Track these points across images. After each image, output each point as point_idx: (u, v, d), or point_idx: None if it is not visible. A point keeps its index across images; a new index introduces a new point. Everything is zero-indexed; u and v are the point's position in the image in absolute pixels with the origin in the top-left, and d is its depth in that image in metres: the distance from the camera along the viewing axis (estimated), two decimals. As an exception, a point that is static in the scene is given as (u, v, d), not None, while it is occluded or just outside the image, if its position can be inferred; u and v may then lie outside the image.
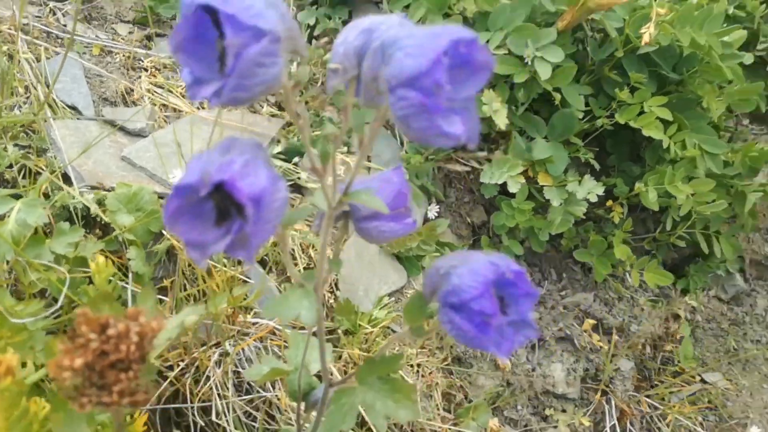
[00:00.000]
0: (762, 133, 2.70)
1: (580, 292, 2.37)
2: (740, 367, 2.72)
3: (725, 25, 2.27)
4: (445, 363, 1.96)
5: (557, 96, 1.95)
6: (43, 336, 1.23)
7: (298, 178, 1.92)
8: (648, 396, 2.40)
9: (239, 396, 1.56)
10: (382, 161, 2.05)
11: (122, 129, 1.82)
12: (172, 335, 0.86)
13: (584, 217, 2.31)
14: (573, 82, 1.99)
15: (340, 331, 1.76)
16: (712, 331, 2.71)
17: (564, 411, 2.18)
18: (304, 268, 1.84)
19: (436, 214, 2.11)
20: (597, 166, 2.11)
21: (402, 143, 2.13)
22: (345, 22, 2.37)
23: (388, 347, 1.00)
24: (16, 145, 1.61)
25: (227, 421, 1.47)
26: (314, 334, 1.04)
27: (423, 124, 0.63)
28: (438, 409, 1.87)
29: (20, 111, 1.68)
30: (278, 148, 1.95)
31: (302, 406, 1.13)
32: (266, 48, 0.62)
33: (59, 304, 1.17)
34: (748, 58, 2.48)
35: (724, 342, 2.69)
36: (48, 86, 1.78)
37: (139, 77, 2.00)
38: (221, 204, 0.66)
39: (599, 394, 2.23)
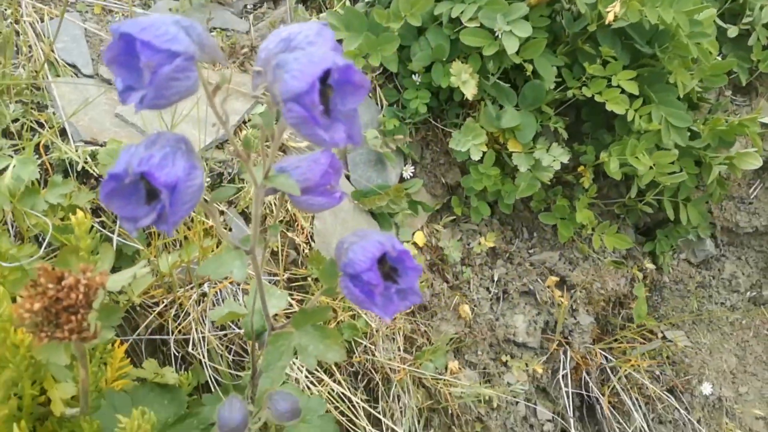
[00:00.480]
0: (744, 104, 2.76)
1: (547, 250, 2.52)
2: (703, 328, 2.87)
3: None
4: (410, 310, 2.16)
5: (529, 67, 2.05)
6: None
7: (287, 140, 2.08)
8: (608, 349, 2.58)
9: (216, 332, 1.77)
10: (362, 122, 2.18)
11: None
12: (125, 284, 1.05)
13: (556, 182, 2.44)
14: (548, 54, 2.09)
15: (310, 279, 1.95)
16: (679, 292, 2.86)
17: (522, 358, 2.38)
18: (283, 221, 2.02)
19: (411, 174, 2.26)
20: (565, 136, 2.23)
21: (381, 107, 2.26)
22: None
23: (318, 298, 1.18)
24: (19, 101, 1.79)
25: (202, 352, 1.69)
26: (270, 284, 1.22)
27: (308, 132, 0.79)
28: (399, 351, 2.07)
29: (24, 69, 1.85)
30: (260, 109, 2.10)
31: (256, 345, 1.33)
32: (179, 66, 0.78)
33: (44, 246, 1.36)
34: (733, 31, 2.53)
35: (689, 303, 2.84)
36: (51, 47, 1.94)
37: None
38: (149, 187, 0.83)
39: (556, 344, 2.42)
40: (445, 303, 2.24)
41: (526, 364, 2.32)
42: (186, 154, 0.84)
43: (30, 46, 1.91)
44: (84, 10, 2.19)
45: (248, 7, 2.50)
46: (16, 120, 1.74)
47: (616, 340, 2.60)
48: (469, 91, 1.95)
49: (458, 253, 2.23)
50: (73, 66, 1.98)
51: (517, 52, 1.99)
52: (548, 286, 2.43)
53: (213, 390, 1.67)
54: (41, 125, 1.78)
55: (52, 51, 1.93)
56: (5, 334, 1.04)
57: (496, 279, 2.39)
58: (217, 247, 1.71)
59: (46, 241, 1.38)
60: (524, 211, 2.55)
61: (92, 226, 1.28)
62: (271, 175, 0.96)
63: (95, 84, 1.96)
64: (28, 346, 1.09)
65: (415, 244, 2.21)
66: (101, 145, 1.77)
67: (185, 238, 1.81)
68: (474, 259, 2.37)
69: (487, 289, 2.38)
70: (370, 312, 0.99)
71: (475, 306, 2.31)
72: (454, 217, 2.38)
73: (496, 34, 1.95)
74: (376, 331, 2.01)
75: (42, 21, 2.00)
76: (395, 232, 2.22)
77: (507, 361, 2.31)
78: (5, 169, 1.43)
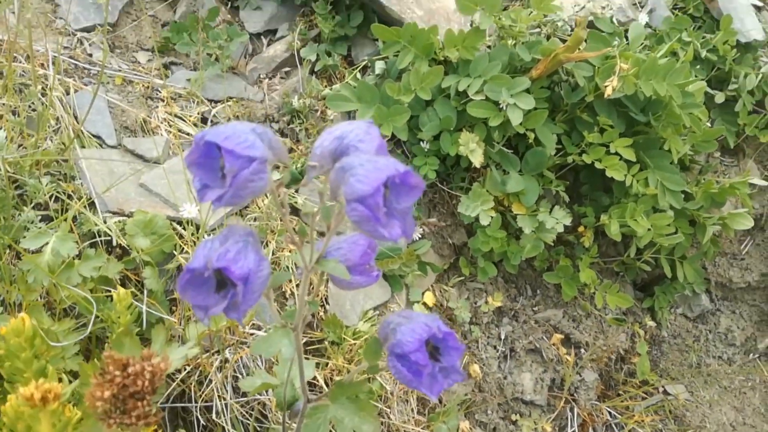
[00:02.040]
0: (732, 165, 2.90)
1: (551, 308, 2.59)
2: (702, 381, 2.94)
3: (699, 68, 2.48)
4: (451, 386, 2.19)
5: (531, 135, 2.16)
6: (72, 346, 1.49)
7: (296, 202, 2.16)
8: (612, 405, 2.63)
9: (237, 398, 1.80)
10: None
11: (140, 157, 2.06)
12: (178, 365, 1.10)
13: (557, 242, 2.53)
14: (548, 122, 2.21)
15: (327, 342, 2.00)
16: (677, 347, 2.93)
17: (530, 416, 2.42)
18: (297, 285, 2.07)
19: (420, 236, 2.34)
20: (566, 198, 2.33)
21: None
22: (344, 58, 2.60)
23: (357, 372, 1.23)
24: (48, 173, 1.85)
25: (225, 420, 1.72)
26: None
27: (369, 228, 0.86)
28: (413, 413, 2.11)
29: (51, 142, 1.92)
30: (277, 175, 2.18)
31: (287, 414, 1.37)
32: (255, 169, 0.85)
33: (90, 326, 1.40)
34: (720, 97, 2.69)
35: (687, 357, 2.91)
36: (76, 118, 2.02)
37: (156, 107, 2.24)
38: (219, 277, 0.89)
39: (563, 401, 2.47)
40: (456, 363, 2.28)
41: (535, 423, 2.35)
42: (254, 246, 0.91)
43: (57, 119, 1.98)
44: (105, 81, 2.28)
45: (261, 76, 2.61)
46: (44, 193, 1.80)
47: (619, 396, 2.65)
48: (477, 159, 2.06)
49: (467, 313, 2.29)
50: (98, 137, 2.05)
51: (521, 123, 2.11)
52: (553, 344, 2.49)
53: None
54: (69, 196, 1.84)
55: (76, 121, 2.01)
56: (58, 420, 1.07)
57: (503, 337, 2.45)
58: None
59: (92, 320, 1.42)
60: (527, 269, 2.63)
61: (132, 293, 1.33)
62: (322, 260, 1.03)
63: (119, 154, 2.03)
64: (75, 423, 1.12)
65: (425, 304, 2.27)
66: (128, 216, 1.83)
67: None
68: (481, 317, 2.44)
69: (495, 347, 2.43)
70: (396, 380, 1.04)
71: (483, 365, 2.36)
72: (462, 277, 2.45)
73: (501, 106, 2.07)
74: (391, 393, 2.05)
75: (68, 94, 2.08)
76: (405, 293, 2.29)
77: (516, 420, 2.35)
78: (42, 248, 1.48)
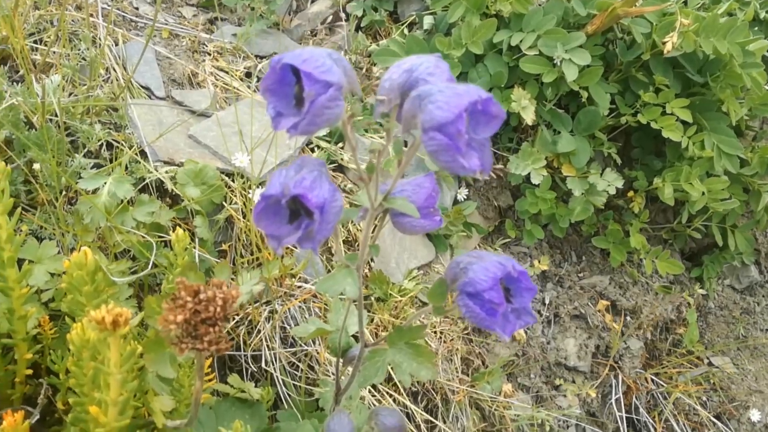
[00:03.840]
0: (788, 131, 2.79)
1: (597, 274, 2.55)
2: (748, 354, 2.87)
3: (757, 29, 2.37)
4: (465, 332, 2.18)
5: (584, 94, 2.10)
6: (127, 288, 1.50)
7: (341, 158, 2.13)
8: (655, 374, 2.59)
9: (285, 348, 1.81)
10: (418, 146, 2.24)
11: (189, 109, 2.05)
12: (244, 300, 1.10)
13: (605, 206, 2.47)
14: (601, 81, 2.14)
15: (373, 298, 1.99)
16: (724, 318, 2.86)
17: (573, 382, 2.39)
18: (344, 241, 2.06)
19: (465, 197, 2.30)
20: (618, 161, 2.26)
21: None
22: (390, 15, 2.54)
23: (417, 317, 1.22)
24: (99, 122, 1.86)
25: (274, 368, 1.73)
26: (354, 302, 1.27)
27: (447, 159, 0.83)
28: (457, 372, 2.10)
29: (101, 91, 1.92)
30: (324, 131, 2.16)
31: (341, 361, 1.37)
32: (332, 95, 0.83)
33: (149, 267, 1.41)
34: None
35: (734, 329, 2.84)
36: (125, 68, 2.02)
37: (204, 60, 2.22)
38: (293, 206, 0.87)
39: (608, 369, 2.43)
40: (499, 325, 2.26)
41: (579, 388, 2.33)
42: (327, 177, 0.88)
43: (107, 69, 1.98)
44: (153, 35, 2.26)
45: (306, 33, 2.57)
46: (98, 140, 1.81)
47: (663, 366, 2.60)
48: (529, 116, 2.00)
49: (514, 276, 2.26)
50: (147, 88, 2.05)
51: (575, 80, 2.04)
52: (599, 311, 2.45)
53: (285, 406, 1.70)
54: (120, 145, 1.84)
55: (126, 71, 2.01)
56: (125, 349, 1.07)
57: (547, 302, 2.41)
58: (293, 267, 1.76)
59: (152, 259, 1.42)
60: (573, 234, 2.58)
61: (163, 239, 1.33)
62: (390, 198, 1.01)
63: (168, 106, 2.03)
64: (136, 357, 1.13)
65: (469, 265, 2.24)
66: (178, 165, 1.83)
67: (256, 257, 1.85)
68: (525, 281, 2.40)
69: (539, 312, 2.40)
70: (490, 330, 1.01)
71: (528, 329, 2.34)
72: (507, 239, 2.42)
73: (555, 62, 2.00)
74: (436, 351, 2.04)
75: (117, 44, 2.08)
76: (450, 253, 2.26)
77: (559, 385, 2.32)
78: (97, 189, 1.49)
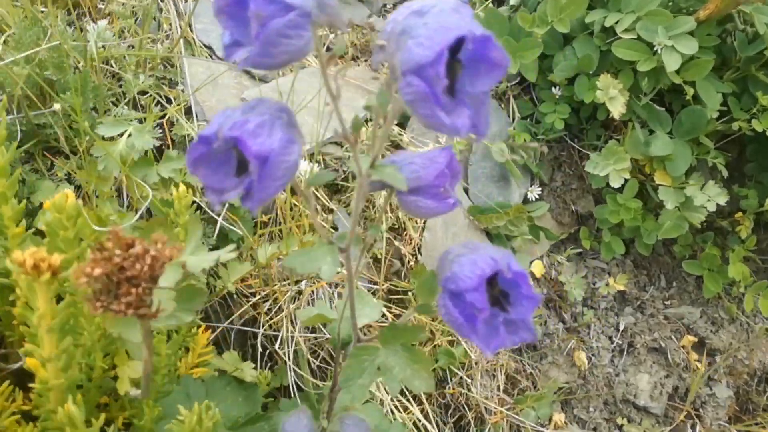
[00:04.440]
0: None
1: (687, 305, 2.20)
2: None
3: None
4: (518, 347, 1.94)
5: (689, 90, 1.78)
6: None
7: (401, 140, 1.96)
8: (745, 431, 2.20)
9: (305, 333, 1.67)
10: (490, 133, 2.02)
11: (247, 72, 1.97)
12: (206, 265, 0.96)
13: (706, 226, 2.12)
14: (711, 77, 1.81)
15: (411, 294, 1.80)
16: None
17: (640, 423, 2.08)
18: (390, 227, 1.89)
19: (537, 197, 2.06)
20: (725, 174, 1.92)
21: (513, 119, 2.08)
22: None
23: (411, 314, 1.03)
24: (152, 75, 1.81)
25: (287, 352, 1.60)
26: (374, 292, 1.10)
27: (426, 112, 0.64)
28: (498, 390, 1.87)
29: (161, 45, 1.87)
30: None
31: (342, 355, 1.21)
32: (292, 21, 0.66)
33: (139, 214, 1.32)
34: None
35: None
36: (190, 26, 1.97)
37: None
38: (241, 157, 0.72)
39: (684, 415, 2.09)
40: (559, 346, 2.00)
41: None
42: (286, 125, 0.72)
43: (171, 24, 1.94)
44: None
45: (388, 6, 2.42)
46: (145, 93, 1.76)
47: (757, 424, 2.20)
48: (616, 109, 1.73)
49: (580, 292, 1.98)
50: (209, 47, 1.99)
51: (678, 72, 1.74)
52: (683, 347, 2.11)
53: (293, 394, 1.57)
54: (169, 101, 1.79)
55: (190, 30, 1.95)
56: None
57: (621, 328, 2.11)
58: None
59: (143, 208, 1.34)
60: (664, 255, 2.24)
61: (194, 203, 1.22)
62: (378, 164, 0.83)
63: (228, 68, 1.95)
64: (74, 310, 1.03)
65: (531, 273, 2.00)
66: (221, 127, 1.75)
67: (289, 229, 1.73)
68: (598, 301, 2.11)
69: (610, 338, 2.10)
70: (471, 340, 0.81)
71: (593, 355, 2.05)
72: (581, 250, 2.14)
73: (655, 49, 1.71)
74: (476, 363, 1.82)
75: (186, 0, 2.03)
76: (511, 257, 2.02)
77: (622, 424, 2.02)
78: (121, 135, 1.42)
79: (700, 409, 2.12)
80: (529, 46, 1.83)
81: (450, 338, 1.81)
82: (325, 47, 2.13)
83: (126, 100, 1.65)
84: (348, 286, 1.03)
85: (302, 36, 0.68)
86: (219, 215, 1.61)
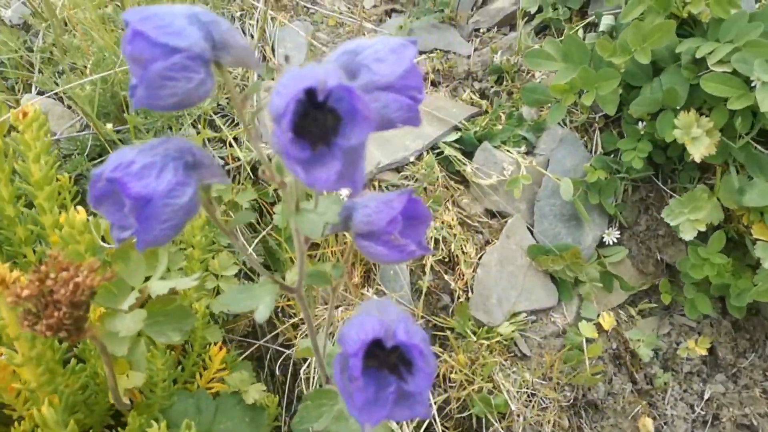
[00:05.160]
0: None
1: (798, 381, 1.86)
2: None
3: None
4: (571, 402, 1.77)
5: (800, 132, 1.52)
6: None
7: (465, 170, 1.89)
8: None
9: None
10: (563, 168, 1.87)
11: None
12: (162, 292, 0.99)
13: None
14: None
15: (449, 333, 1.72)
16: None
17: None
18: (439, 260, 1.82)
19: (615, 241, 1.86)
20: None
21: (594, 152, 1.91)
22: (580, 13, 2.17)
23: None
24: (227, 96, 1.92)
25: (312, 377, 1.60)
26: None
27: (286, 165, 0.61)
28: (544, 449, 1.71)
29: (241, 69, 1.99)
30: (454, 136, 1.93)
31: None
32: (177, 63, 0.66)
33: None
34: None
35: None
36: (273, 50, 2.06)
37: (355, 49, 2.17)
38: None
39: None
40: (623, 408, 1.79)
41: None
42: (183, 167, 0.72)
43: (255, 48, 2.05)
44: (320, 21, 2.29)
45: (481, 30, 2.35)
46: (218, 113, 1.88)
47: None
48: (699, 151, 1.51)
49: (648, 351, 1.76)
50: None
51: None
52: (783, 429, 1.78)
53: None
54: (236, 122, 1.89)
55: (273, 54, 2.05)
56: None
57: (706, 397, 1.83)
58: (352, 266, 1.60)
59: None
60: (773, 318, 1.92)
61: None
62: (300, 209, 0.80)
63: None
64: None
65: (598, 325, 1.81)
66: (279, 149, 1.81)
67: (332, 254, 1.74)
68: (680, 363, 1.86)
69: (691, 406, 1.84)
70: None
71: (665, 423, 1.81)
72: (665, 304, 1.90)
73: (753, 84, 1.47)
74: (518, 416, 1.68)
75: (273, 26, 2.14)
76: (577, 304, 1.85)
77: (694, 507, 1.75)
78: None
79: None
80: (606, 76, 1.67)
81: (491, 384, 1.70)
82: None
83: (192, 120, 1.77)
84: (307, 325, 1.01)
85: (192, 78, 0.68)
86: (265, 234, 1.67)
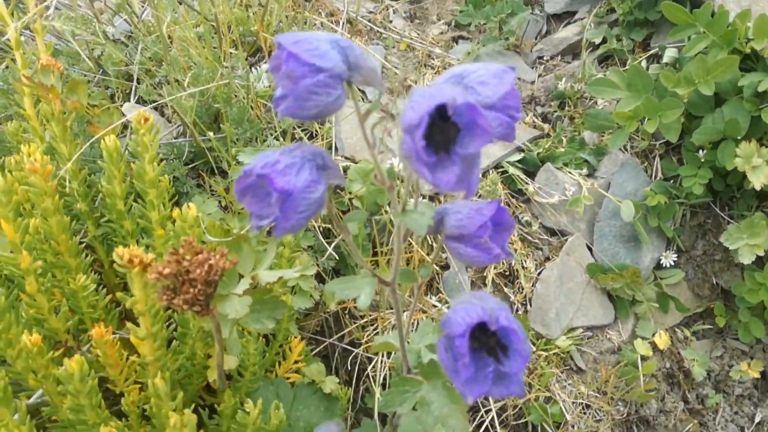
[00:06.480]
0: None
1: None
2: None
3: None
4: (626, 417, 1.83)
5: None
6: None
7: (527, 189, 1.98)
8: None
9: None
10: (623, 191, 1.95)
11: (392, 115, 2.15)
12: (271, 279, 1.12)
13: None
14: None
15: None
16: None
17: None
18: (500, 273, 1.91)
19: (672, 263, 1.93)
20: None
21: (653, 178, 1.98)
22: (642, 45, 2.26)
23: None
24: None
25: (378, 377, 1.71)
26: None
27: (415, 168, 0.74)
28: (596, 460, 1.77)
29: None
30: (517, 157, 2.04)
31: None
32: (321, 81, 0.80)
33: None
34: None
35: None
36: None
37: (425, 75, 2.30)
38: (279, 190, 0.87)
39: None
40: (674, 426, 1.84)
41: None
42: (316, 168, 0.86)
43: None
44: (392, 45, 2.43)
45: (544, 58, 2.46)
46: (299, 126, 2.03)
47: None
48: (759, 180, 1.58)
49: (702, 371, 1.81)
50: (362, 91, 2.21)
51: None
52: (838, 458, 1.80)
53: (375, 416, 1.67)
54: (316, 135, 2.04)
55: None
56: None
57: (757, 420, 1.87)
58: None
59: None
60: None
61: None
62: (406, 211, 0.92)
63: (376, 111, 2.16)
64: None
65: (653, 344, 1.87)
66: (354, 162, 1.94)
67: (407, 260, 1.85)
68: (732, 386, 1.90)
69: (742, 429, 1.87)
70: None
71: (715, 444, 1.85)
72: (719, 327, 1.95)
73: (816, 117, 1.54)
74: (573, 426, 1.75)
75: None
76: (633, 322, 1.92)
77: None
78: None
79: None
80: (670, 106, 1.75)
81: (547, 395, 1.78)
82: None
83: (277, 132, 1.92)
84: (396, 317, 1.12)
85: (332, 93, 0.81)
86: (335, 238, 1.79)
